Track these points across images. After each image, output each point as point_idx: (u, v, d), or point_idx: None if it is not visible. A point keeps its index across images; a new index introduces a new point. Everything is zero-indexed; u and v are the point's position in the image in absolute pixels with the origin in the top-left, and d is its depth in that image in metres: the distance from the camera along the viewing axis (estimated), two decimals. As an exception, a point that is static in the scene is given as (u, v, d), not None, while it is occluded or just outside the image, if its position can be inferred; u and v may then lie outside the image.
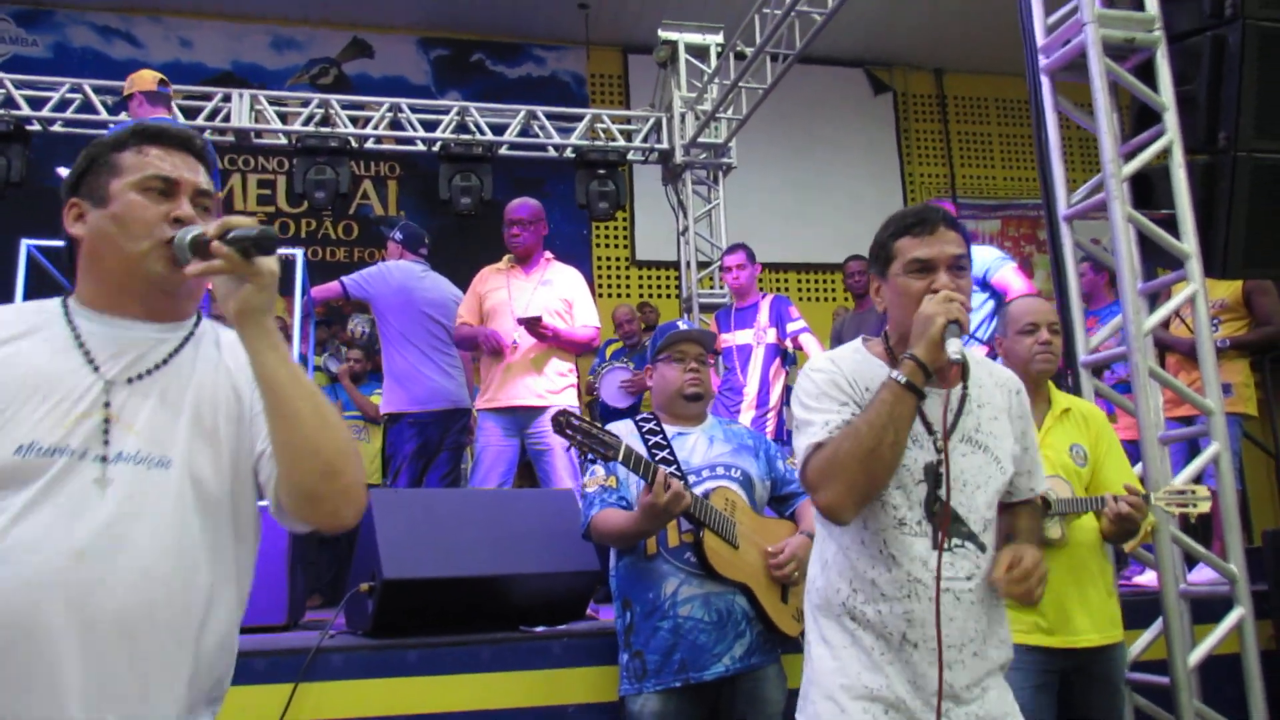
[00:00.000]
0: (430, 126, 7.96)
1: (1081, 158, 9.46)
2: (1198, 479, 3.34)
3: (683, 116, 8.07)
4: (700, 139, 7.99)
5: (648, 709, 2.82)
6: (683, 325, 3.23)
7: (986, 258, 4.88)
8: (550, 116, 8.18)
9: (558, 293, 4.95)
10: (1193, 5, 3.51)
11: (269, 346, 1.52)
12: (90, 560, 1.44)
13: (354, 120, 7.92)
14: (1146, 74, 3.54)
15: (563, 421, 2.69)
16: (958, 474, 1.95)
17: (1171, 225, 3.45)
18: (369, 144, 8.06)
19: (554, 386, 4.83)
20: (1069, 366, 3.79)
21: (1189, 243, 3.41)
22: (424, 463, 5.49)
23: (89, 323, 1.60)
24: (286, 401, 1.51)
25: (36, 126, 7.30)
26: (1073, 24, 3.56)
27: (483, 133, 7.95)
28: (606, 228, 10.72)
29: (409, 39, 10.88)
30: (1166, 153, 3.47)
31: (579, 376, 5.20)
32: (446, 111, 8.04)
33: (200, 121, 7.46)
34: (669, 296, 10.45)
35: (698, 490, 2.88)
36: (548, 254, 5.11)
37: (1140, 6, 3.55)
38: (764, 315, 6.14)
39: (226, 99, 7.65)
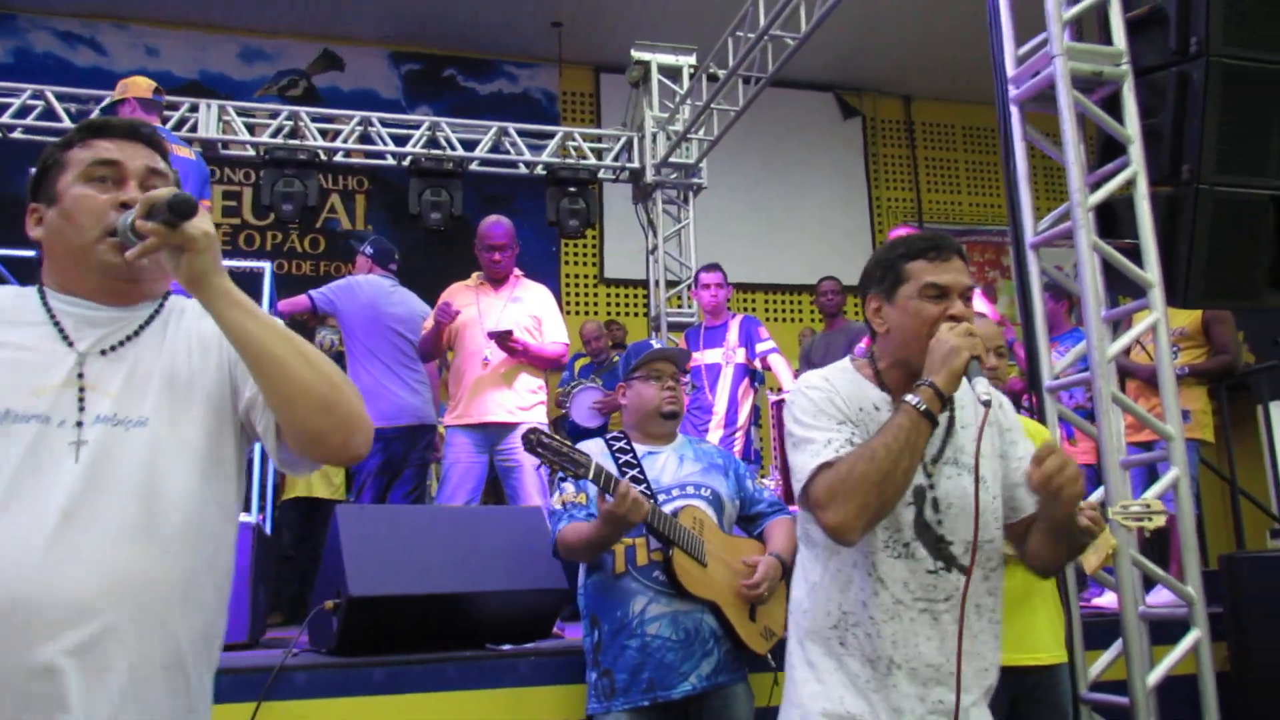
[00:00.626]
0: (400, 141, 7.95)
1: (1046, 186, 9.64)
2: (1157, 503, 3.39)
3: (654, 136, 8.12)
4: (671, 159, 8.03)
5: (615, 728, 2.82)
6: (657, 344, 3.25)
7: None
8: (521, 133, 8.20)
9: (527, 309, 4.95)
10: (1159, 41, 3.59)
11: (230, 305, 1.51)
12: (75, 520, 1.44)
13: (323, 133, 7.89)
14: (1113, 107, 3.61)
15: (533, 440, 2.69)
16: (943, 496, 1.97)
17: (1135, 255, 3.51)
18: (338, 157, 8.04)
19: (524, 403, 4.82)
20: (1033, 391, 3.84)
21: (1152, 272, 3.48)
22: (388, 479, 5.46)
23: (61, 304, 1.61)
24: (264, 351, 1.51)
25: (-3, 133, 7.22)
26: (1042, 56, 3.62)
27: (454, 148, 7.95)
28: (576, 245, 10.73)
29: (380, 52, 10.85)
30: (1131, 184, 3.54)
31: (548, 393, 5.20)
32: (417, 126, 8.04)
33: (167, 131, 7.40)
34: (637, 314, 10.47)
35: (667, 509, 2.89)
36: (517, 271, 5.12)
37: (1108, 41, 3.62)
38: (733, 335, 6.17)
39: (194, 109, 7.61)
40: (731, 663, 2.92)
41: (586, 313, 10.68)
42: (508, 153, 8.14)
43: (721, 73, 7.09)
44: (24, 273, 5.28)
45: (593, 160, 8.31)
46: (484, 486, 4.98)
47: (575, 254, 11.02)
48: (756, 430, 6.48)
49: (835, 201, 11.62)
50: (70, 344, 1.57)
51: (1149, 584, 3.90)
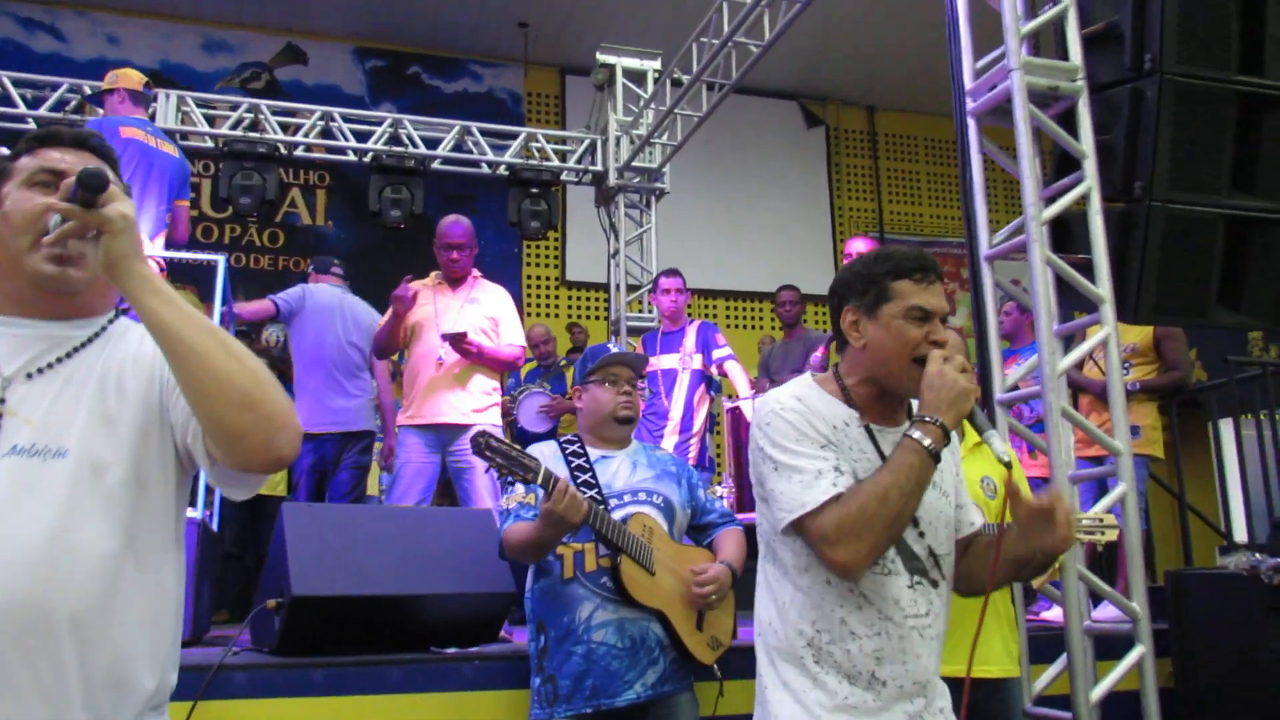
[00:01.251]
0: (362, 137, 7.88)
1: (1006, 200, 9.72)
2: (1104, 516, 3.41)
3: (618, 140, 8.10)
4: (634, 163, 8.02)
5: (558, 735, 2.79)
6: (614, 348, 3.23)
7: None
8: (485, 133, 8.16)
9: (484, 310, 4.91)
10: (1114, 58, 3.62)
11: (149, 292, 1.44)
12: None
13: (284, 127, 7.80)
14: (1069, 122, 3.64)
15: (481, 443, 2.66)
16: (923, 514, 1.97)
17: (1088, 270, 3.54)
18: (299, 151, 7.94)
19: (478, 404, 4.78)
20: (985, 403, 3.86)
21: (1104, 287, 3.50)
22: (319, 475, 5.53)
23: None
24: (181, 340, 1.44)
25: (-50, 117, 7.07)
26: (999, 70, 3.65)
27: (416, 146, 7.89)
28: (537, 247, 10.70)
29: (345, 48, 10.77)
30: (1085, 199, 3.57)
31: (502, 395, 5.17)
32: (379, 123, 7.97)
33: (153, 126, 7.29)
34: (598, 318, 10.45)
35: (617, 514, 2.87)
36: (476, 272, 5.08)
37: (1065, 56, 3.65)
38: (690, 341, 6.16)
39: (153, 98, 7.48)
40: (677, 672, 2.91)
41: (547, 315, 10.66)
42: (470, 152, 8.09)
43: (686, 78, 7.08)
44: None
45: (556, 162, 8.28)
46: (436, 488, 4.94)
47: (537, 256, 10.98)
48: (712, 437, 6.47)
49: (797, 210, 11.66)
50: None
51: (1097, 599, 3.93)
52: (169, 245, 5.31)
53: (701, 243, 10.51)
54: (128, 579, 1.51)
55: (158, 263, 4.81)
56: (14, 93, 7.21)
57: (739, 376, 6.06)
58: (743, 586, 2.88)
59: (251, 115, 7.71)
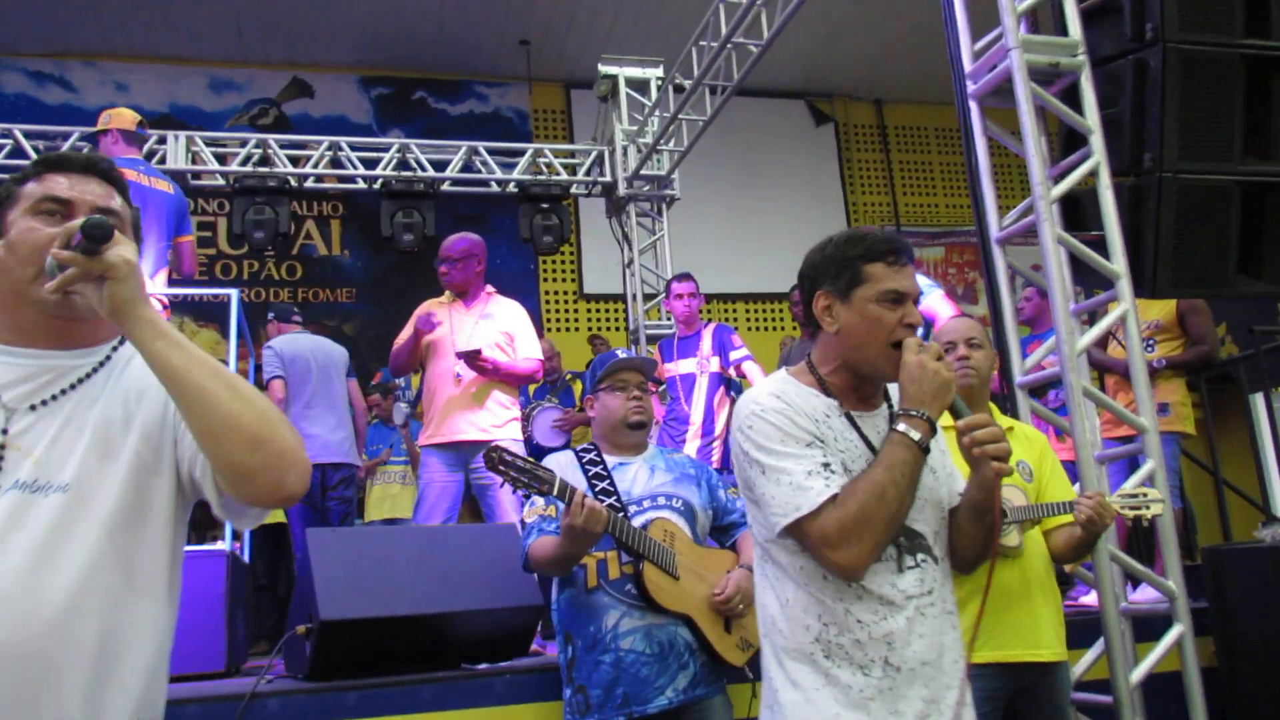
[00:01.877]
0: (371, 164, 7.93)
1: (1020, 183, 9.63)
2: (1136, 495, 3.36)
3: (625, 149, 8.11)
4: (643, 171, 8.02)
5: (591, 745, 2.77)
6: (622, 354, 3.22)
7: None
8: (492, 152, 8.19)
9: (498, 326, 4.90)
10: (1115, 29, 3.58)
11: (154, 335, 1.44)
12: None
13: (294, 160, 7.86)
14: (1072, 98, 3.60)
15: (495, 458, 2.65)
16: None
17: (1102, 246, 3.50)
18: (309, 183, 8.00)
19: (496, 420, 4.77)
20: (1006, 388, 3.82)
21: (1118, 263, 3.46)
22: (308, 505, 5.77)
23: None
24: (190, 383, 1.43)
25: (-35, 171, 7.17)
26: (998, 49, 3.62)
27: (424, 169, 7.92)
28: (553, 262, 10.71)
29: (349, 78, 10.83)
30: (1094, 175, 3.53)
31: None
32: (386, 149, 8.01)
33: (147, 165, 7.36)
34: (617, 329, 10.44)
35: (637, 521, 2.86)
36: (489, 288, 5.07)
37: (1064, 32, 3.62)
38: (707, 344, 6.14)
39: (162, 141, 7.56)
40: (708, 675, 2.88)
41: (567, 329, 10.66)
42: (479, 171, 8.12)
43: (688, 83, 7.08)
44: None
45: (564, 176, 8.29)
46: (464, 505, 4.94)
47: (554, 270, 10.99)
48: (736, 439, 6.42)
49: (811, 208, 11.61)
50: None
51: (1136, 581, 3.88)
52: (177, 280, 5.37)
53: (716, 247, 10.49)
54: (124, 610, 1.49)
55: (160, 301, 4.85)
56: (26, 145, 7.30)
57: (758, 377, 6.02)
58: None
59: (261, 150, 7.78)
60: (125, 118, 5.30)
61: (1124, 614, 3.33)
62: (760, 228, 11.24)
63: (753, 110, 10.60)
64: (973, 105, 3.80)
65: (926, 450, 1.85)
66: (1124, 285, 3.46)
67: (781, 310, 11.18)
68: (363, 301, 10.39)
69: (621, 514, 2.83)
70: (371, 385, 8.20)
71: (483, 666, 3.37)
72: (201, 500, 1.58)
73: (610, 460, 3.04)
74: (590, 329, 10.49)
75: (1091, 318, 3.75)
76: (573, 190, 8.43)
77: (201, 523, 6.47)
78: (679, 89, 7.28)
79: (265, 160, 7.76)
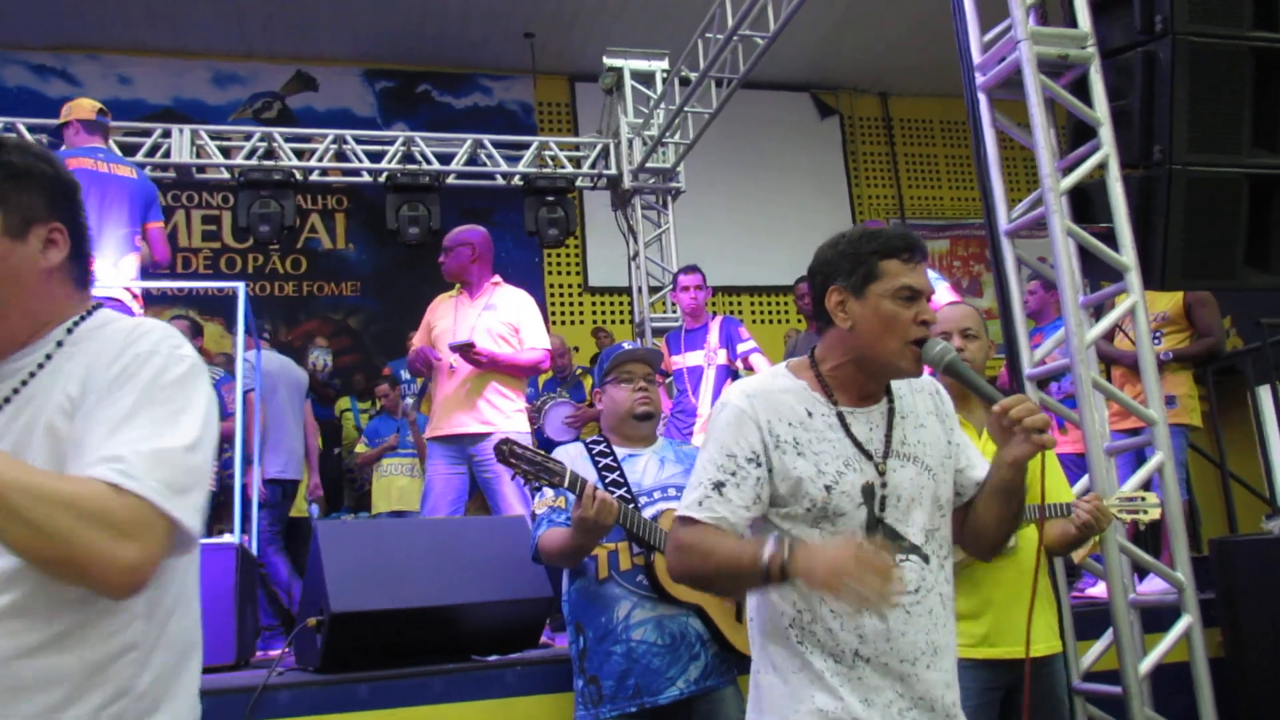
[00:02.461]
0: (376, 158, 7.93)
1: (1025, 176, 9.63)
2: (1145, 488, 3.36)
3: (630, 142, 8.11)
4: (648, 164, 8.02)
5: (604, 735, 2.78)
6: (628, 346, 3.22)
7: None
8: (497, 145, 8.19)
9: (501, 317, 4.88)
10: (1124, 21, 3.58)
11: None
12: None
13: (299, 153, 7.86)
14: (1081, 90, 3.60)
15: (505, 451, 2.66)
16: (893, 489, 1.93)
17: (1111, 239, 3.49)
18: (314, 176, 7.99)
19: (499, 412, 4.73)
20: (1014, 380, 3.81)
21: (1128, 255, 3.46)
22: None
23: None
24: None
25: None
26: (1007, 41, 3.61)
27: (430, 162, 7.92)
28: (558, 255, 10.72)
29: (353, 71, 10.83)
30: (1103, 167, 3.52)
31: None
32: (391, 142, 8.01)
33: (140, 158, 7.37)
34: (622, 322, 10.45)
35: (648, 512, 2.86)
36: (496, 278, 5.05)
37: (1073, 23, 3.61)
38: (714, 336, 6.14)
39: (166, 134, 7.56)
40: (720, 666, 2.89)
41: (572, 322, 10.67)
42: (484, 165, 8.12)
43: (693, 75, 7.08)
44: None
45: (570, 169, 8.29)
46: (470, 498, 4.94)
47: (559, 264, 10.99)
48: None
49: (816, 201, 11.61)
50: None
51: (1144, 573, 3.88)
52: (151, 268, 5.37)
53: (721, 240, 10.48)
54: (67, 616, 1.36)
55: (130, 291, 4.83)
56: (30, 139, 7.30)
57: (765, 369, 6.03)
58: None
59: (265, 144, 7.78)
60: (84, 107, 5.26)
61: (1132, 605, 3.34)
62: (765, 221, 11.23)
63: (757, 103, 10.58)
64: (981, 97, 3.79)
65: (767, 580, 1.80)
66: (1133, 277, 3.46)
67: (786, 303, 11.18)
68: (367, 295, 10.40)
69: (632, 505, 2.83)
70: (381, 376, 8.22)
71: (493, 658, 3.38)
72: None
73: (620, 452, 3.05)
74: (595, 322, 10.50)
75: (1097, 311, 3.74)
76: (578, 183, 8.42)
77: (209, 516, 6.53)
78: (684, 81, 7.28)
79: (270, 154, 7.76)
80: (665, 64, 8.01)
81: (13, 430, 1.39)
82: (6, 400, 1.41)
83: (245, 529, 4.76)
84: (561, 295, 10.99)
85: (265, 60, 10.56)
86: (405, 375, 8.03)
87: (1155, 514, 2.88)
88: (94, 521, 1.26)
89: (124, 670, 1.39)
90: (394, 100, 10.88)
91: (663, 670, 2.78)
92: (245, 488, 4.93)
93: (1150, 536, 5.01)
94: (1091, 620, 3.64)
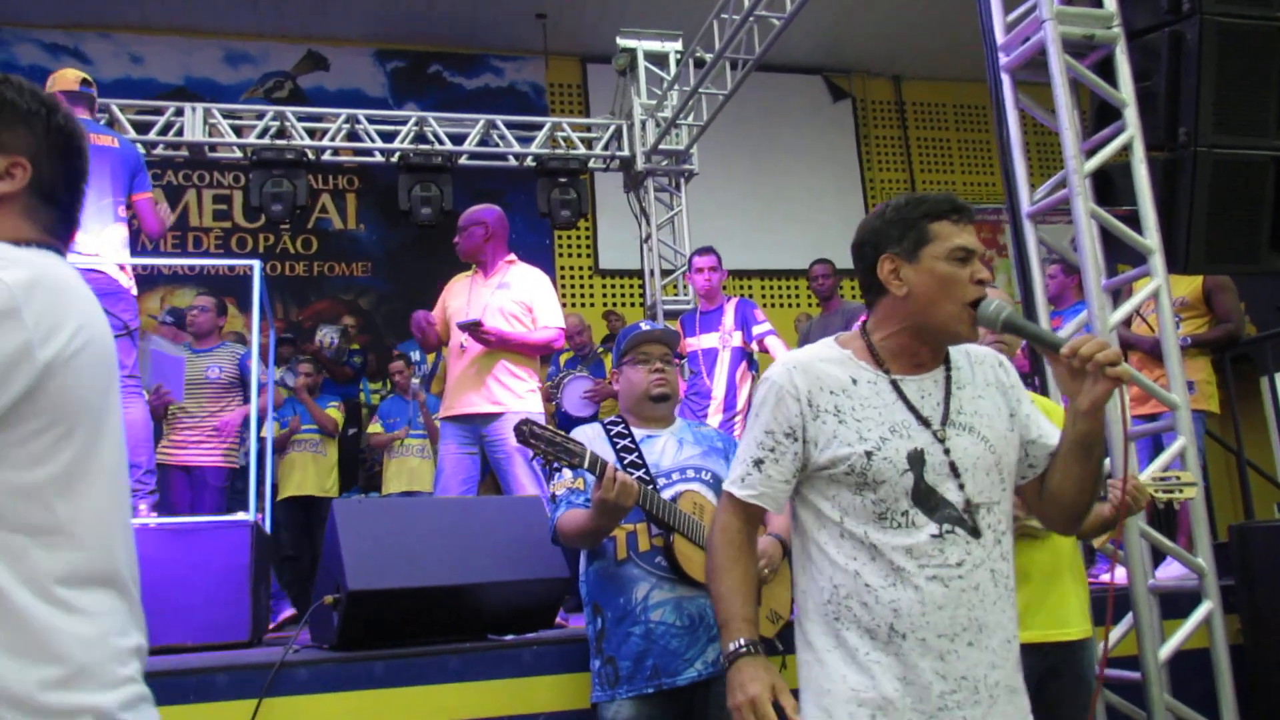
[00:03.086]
0: (388, 138, 7.90)
1: (1040, 163, 9.59)
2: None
3: (643, 124, 8.07)
4: (661, 146, 7.98)
5: (621, 716, 2.77)
6: (645, 326, 3.19)
7: None
8: (510, 125, 8.16)
9: (514, 295, 4.85)
10: (1151, 2, 3.54)
11: None
12: None
13: (310, 133, 7.83)
14: (1106, 71, 3.56)
15: (525, 431, 2.65)
16: (948, 457, 1.90)
17: (1134, 221, 3.46)
18: (326, 156, 7.97)
19: (511, 392, 4.71)
20: (1034, 366, 3.79)
21: (1151, 238, 3.43)
22: None
23: None
24: None
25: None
26: (1031, 21, 3.57)
27: (442, 143, 7.90)
28: (569, 237, 10.69)
29: (365, 51, 10.79)
30: (1128, 149, 3.49)
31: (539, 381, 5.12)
32: (404, 122, 7.99)
33: (153, 136, 7.35)
34: (633, 304, 10.43)
35: (666, 493, 2.85)
36: (510, 257, 5.02)
37: (1099, 3, 3.57)
38: (729, 318, 6.12)
39: (179, 113, 7.54)
40: (737, 647, 2.87)
41: (583, 304, 10.64)
42: (496, 146, 8.09)
43: (708, 57, 7.03)
44: None
45: (582, 150, 8.25)
46: (485, 478, 4.94)
47: (570, 246, 10.97)
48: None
49: (828, 184, 11.57)
50: None
51: (1159, 558, 3.86)
52: (147, 241, 5.33)
53: (733, 223, 10.44)
54: None
55: (121, 268, 4.75)
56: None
57: (780, 352, 6.00)
58: (797, 560, 2.85)
59: (278, 123, 7.75)
60: (67, 78, 5.15)
61: (1151, 591, 3.32)
62: (777, 204, 11.21)
63: (769, 86, 10.53)
64: (1005, 78, 3.76)
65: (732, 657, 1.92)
66: (1156, 261, 3.43)
67: (798, 287, 11.15)
68: (378, 275, 10.39)
69: (650, 486, 2.82)
70: (395, 355, 8.22)
71: (509, 638, 3.38)
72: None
73: (638, 433, 3.03)
74: (606, 305, 10.48)
75: (1116, 295, 3.71)
76: (590, 164, 8.39)
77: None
78: (699, 63, 7.23)
79: (282, 133, 7.74)
80: (679, 45, 7.96)
81: None
82: None
83: (259, 507, 4.76)
84: (572, 278, 10.97)
85: (277, 40, 10.53)
86: (416, 356, 8.03)
87: (1191, 493, 2.84)
88: None
89: None
90: (405, 80, 10.85)
91: (681, 651, 2.77)
92: (260, 467, 4.92)
93: (1165, 521, 5.00)
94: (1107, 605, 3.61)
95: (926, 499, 1.87)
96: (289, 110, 7.86)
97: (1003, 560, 1.93)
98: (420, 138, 7.93)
